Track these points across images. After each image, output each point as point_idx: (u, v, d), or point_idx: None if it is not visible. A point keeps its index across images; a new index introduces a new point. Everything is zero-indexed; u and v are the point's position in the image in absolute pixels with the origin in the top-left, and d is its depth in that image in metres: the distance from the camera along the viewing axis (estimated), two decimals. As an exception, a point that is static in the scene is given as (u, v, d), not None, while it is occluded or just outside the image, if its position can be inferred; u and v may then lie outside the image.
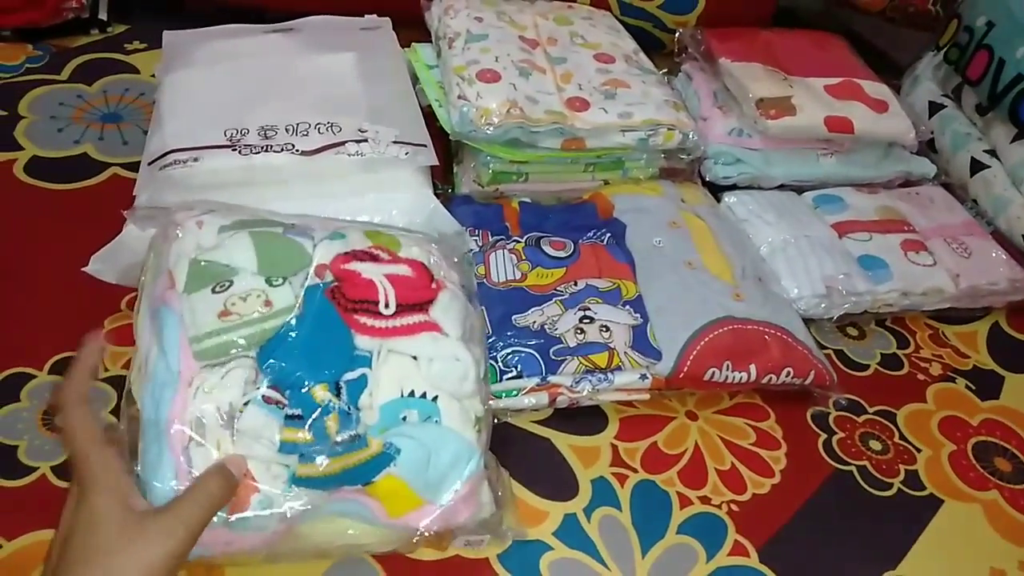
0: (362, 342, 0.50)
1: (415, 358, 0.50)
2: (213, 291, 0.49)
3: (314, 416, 0.46)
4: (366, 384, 0.48)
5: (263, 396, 0.46)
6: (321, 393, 0.47)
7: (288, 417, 0.46)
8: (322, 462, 0.46)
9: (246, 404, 0.45)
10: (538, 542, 0.55)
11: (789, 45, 0.92)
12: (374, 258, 0.54)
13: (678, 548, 0.57)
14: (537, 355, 0.61)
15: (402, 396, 0.49)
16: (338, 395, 0.47)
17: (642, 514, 0.58)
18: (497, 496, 0.52)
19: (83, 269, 0.60)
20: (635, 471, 0.61)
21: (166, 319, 0.48)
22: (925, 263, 0.78)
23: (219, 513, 0.43)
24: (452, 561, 0.53)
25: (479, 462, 0.50)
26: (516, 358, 0.61)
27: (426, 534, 0.49)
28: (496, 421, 0.61)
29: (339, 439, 0.46)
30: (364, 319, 0.51)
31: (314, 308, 0.50)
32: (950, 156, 0.93)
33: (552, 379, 0.61)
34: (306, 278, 0.51)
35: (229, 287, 0.49)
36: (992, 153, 0.89)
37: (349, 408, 0.47)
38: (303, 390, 0.47)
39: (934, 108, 0.97)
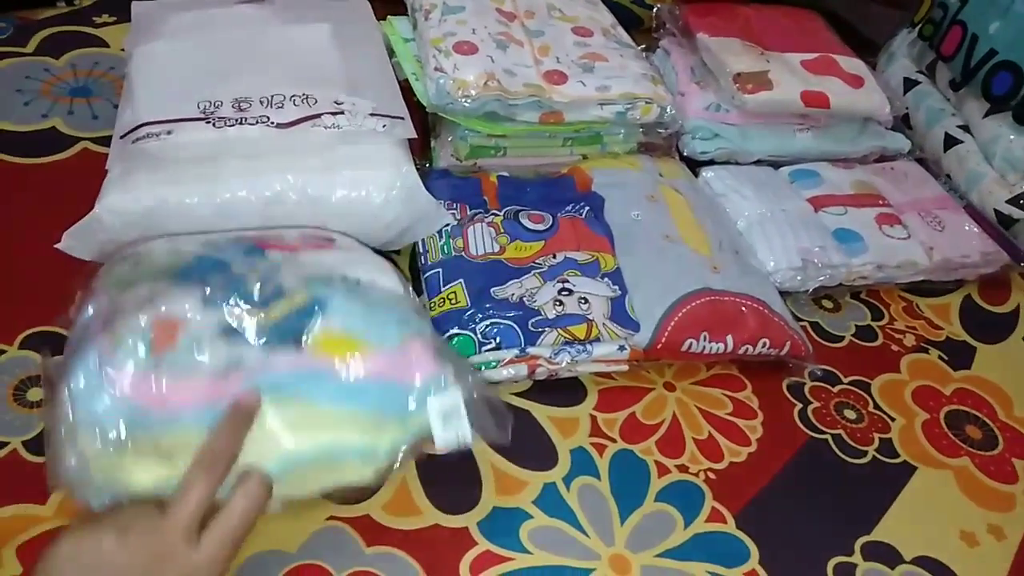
0: (272, 255, 0.52)
1: (330, 266, 0.52)
2: (124, 258, 0.52)
3: (234, 278, 0.47)
4: (281, 266, 0.50)
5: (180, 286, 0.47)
6: (238, 267, 0.49)
7: (208, 289, 0.47)
8: (248, 312, 0.46)
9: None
10: (518, 510, 0.56)
11: (766, 20, 0.92)
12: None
13: (656, 515, 0.58)
14: (516, 327, 0.61)
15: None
16: (255, 268, 0.49)
17: (621, 482, 0.59)
18: (466, 384, 0.50)
19: (56, 246, 0.59)
20: (614, 441, 0.62)
21: (86, 306, 0.49)
22: (899, 236, 0.79)
23: (144, 355, 0.43)
24: (432, 530, 0.53)
25: (424, 325, 0.50)
26: (495, 330, 0.61)
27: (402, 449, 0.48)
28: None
29: (262, 292, 0.47)
30: (272, 242, 0.54)
31: (222, 242, 0.53)
32: (924, 131, 0.94)
33: (531, 351, 0.61)
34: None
35: (141, 255, 0.52)
36: (965, 128, 0.90)
37: (269, 274, 0.49)
38: (220, 270, 0.48)
39: (909, 84, 0.98)
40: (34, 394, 0.56)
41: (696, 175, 0.83)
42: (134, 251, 0.54)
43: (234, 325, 0.45)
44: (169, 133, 0.60)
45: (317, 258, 0.53)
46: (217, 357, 0.44)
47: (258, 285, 0.47)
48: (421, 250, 0.68)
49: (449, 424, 0.48)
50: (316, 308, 0.47)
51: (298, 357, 0.46)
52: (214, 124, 0.61)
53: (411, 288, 0.56)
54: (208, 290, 0.46)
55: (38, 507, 0.50)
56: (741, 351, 0.66)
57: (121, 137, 0.61)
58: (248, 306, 0.46)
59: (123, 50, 0.82)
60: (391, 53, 0.79)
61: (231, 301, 0.46)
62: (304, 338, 0.46)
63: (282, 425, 0.45)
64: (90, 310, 0.48)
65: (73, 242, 0.60)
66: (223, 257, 0.51)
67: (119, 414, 0.42)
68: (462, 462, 0.58)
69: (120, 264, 0.53)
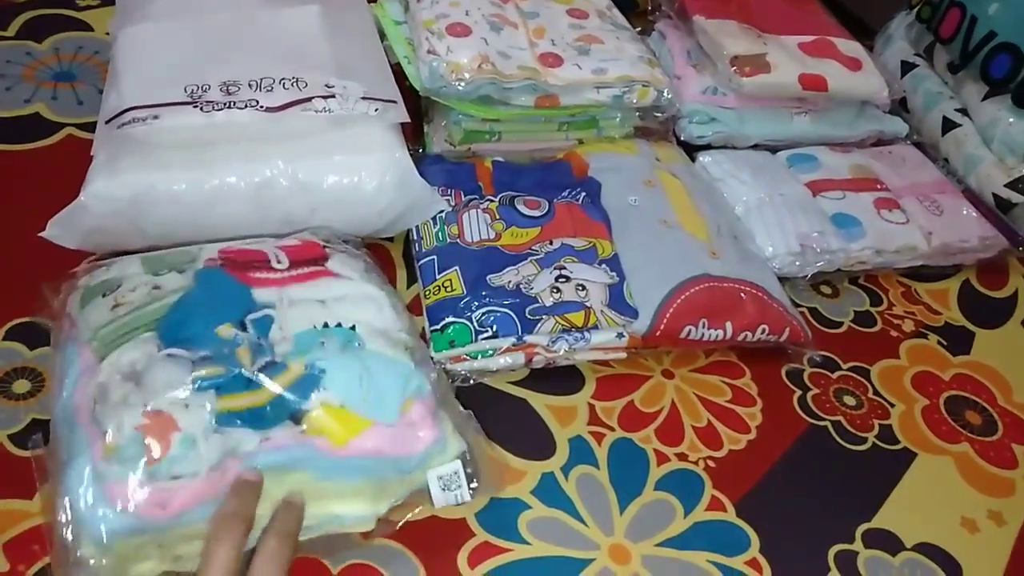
0: (261, 295, 0.49)
1: (322, 303, 0.49)
2: (103, 296, 0.49)
3: (223, 350, 0.45)
4: (273, 321, 0.47)
5: (168, 354, 0.44)
6: (226, 331, 0.46)
7: (196, 361, 0.44)
8: (243, 394, 0.44)
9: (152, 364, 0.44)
10: (516, 501, 0.55)
11: (763, 3, 0.91)
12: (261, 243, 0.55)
13: (656, 504, 0.57)
14: (513, 315, 0.60)
15: (316, 328, 0.48)
16: (244, 331, 0.46)
17: (620, 471, 0.58)
18: (468, 441, 0.50)
19: (40, 234, 0.58)
20: (612, 429, 0.61)
21: (66, 347, 0.48)
22: (898, 221, 0.78)
23: (141, 464, 0.41)
24: (429, 521, 0.52)
25: (423, 382, 0.48)
26: (492, 318, 0.60)
27: (399, 499, 0.48)
28: (471, 382, 0.61)
29: (255, 367, 0.45)
30: (258, 274, 0.50)
31: (205, 278, 0.49)
32: (922, 115, 0.93)
33: (528, 339, 0.60)
34: (195, 268, 0.51)
35: (118, 288, 0.49)
36: (963, 112, 0.90)
37: (260, 339, 0.46)
38: (207, 334, 0.45)
39: (906, 67, 0.97)
40: (20, 386, 0.55)
41: (693, 160, 0.82)
42: (110, 277, 0.51)
43: (227, 412, 0.44)
44: (156, 118, 0.58)
45: (308, 293, 0.50)
46: (213, 451, 0.43)
47: (250, 359, 0.45)
48: (415, 237, 0.67)
49: (448, 490, 0.49)
50: (312, 383, 0.45)
51: (296, 435, 0.45)
52: (202, 108, 0.59)
53: (408, 318, 0.54)
54: (198, 375, 0.44)
55: (25, 502, 0.49)
56: (740, 337, 0.65)
57: (106, 122, 0.60)
58: (241, 393, 0.44)
59: (108, 34, 0.80)
60: (382, 36, 0.78)
61: (223, 390, 0.44)
62: (301, 415, 0.45)
63: (282, 498, 0.45)
64: (73, 366, 0.46)
65: (58, 231, 0.59)
66: (208, 305, 0.47)
67: (120, 527, 0.41)
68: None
69: (97, 302, 0.49)
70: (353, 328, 0.49)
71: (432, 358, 0.60)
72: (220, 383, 0.44)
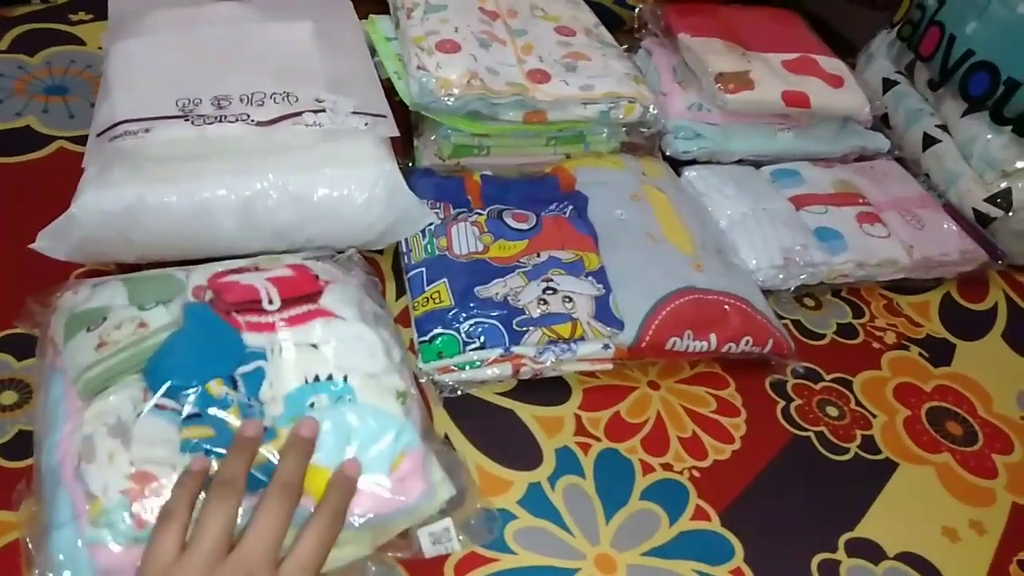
0: (252, 339, 0.48)
1: (315, 347, 0.49)
2: (88, 330, 0.48)
3: (213, 411, 0.44)
4: (264, 376, 0.47)
5: (156, 405, 0.44)
6: (217, 388, 0.45)
7: (186, 418, 0.44)
8: None
9: (139, 416, 0.43)
10: (503, 511, 0.55)
11: (747, 21, 0.92)
12: (255, 268, 0.54)
13: (641, 514, 0.57)
14: (500, 326, 0.61)
15: (307, 383, 0.47)
16: (235, 389, 0.46)
17: (606, 482, 0.59)
18: (458, 481, 0.50)
19: (30, 246, 0.58)
20: (598, 440, 0.61)
21: (52, 380, 0.48)
22: (879, 235, 0.79)
23: (128, 529, 0.41)
24: (416, 532, 0.53)
25: (413, 435, 0.48)
26: (479, 329, 0.60)
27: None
28: (459, 393, 0.61)
29: None
30: (249, 317, 0.49)
31: (194, 318, 0.48)
32: (903, 131, 0.95)
33: (515, 350, 0.61)
34: (183, 301, 0.50)
35: (103, 323, 0.48)
36: (944, 128, 0.91)
37: (250, 400, 0.45)
38: (196, 390, 0.45)
39: (888, 84, 0.99)
40: (7, 398, 0.55)
41: (679, 174, 0.83)
42: (94, 306, 0.50)
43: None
44: (147, 131, 0.59)
45: (300, 337, 0.50)
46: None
47: (239, 422, 0.45)
48: (404, 250, 0.68)
49: (439, 543, 0.49)
50: None
51: None
52: (193, 122, 0.60)
53: (401, 351, 0.55)
54: (186, 437, 0.43)
55: (8, 514, 0.49)
56: (724, 349, 0.66)
57: (98, 135, 0.60)
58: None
59: (100, 48, 0.81)
60: (373, 52, 0.79)
61: (212, 454, 0.44)
62: None
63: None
64: (59, 407, 0.46)
65: (48, 242, 0.59)
66: (197, 354, 0.47)
67: None
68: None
69: (81, 337, 0.48)
70: (345, 379, 0.48)
71: (420, 369, 0.60)
72: (209, 447, 0.44)
